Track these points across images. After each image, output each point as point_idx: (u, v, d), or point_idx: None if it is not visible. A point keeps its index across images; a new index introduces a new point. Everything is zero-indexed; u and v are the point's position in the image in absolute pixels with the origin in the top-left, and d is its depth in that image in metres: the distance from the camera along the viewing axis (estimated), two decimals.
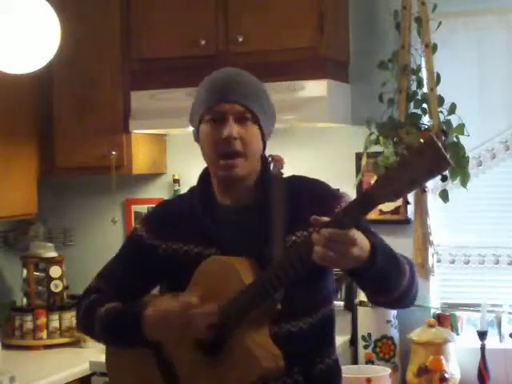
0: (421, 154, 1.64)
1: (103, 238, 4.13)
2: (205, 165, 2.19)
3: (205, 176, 2.20)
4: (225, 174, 2.08)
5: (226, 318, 2.01)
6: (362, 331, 3.41)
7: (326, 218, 1.82)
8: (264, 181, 2.14)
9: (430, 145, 1.63)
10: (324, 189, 2.18)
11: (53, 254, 3.95)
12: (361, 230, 1.84)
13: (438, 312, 3.48)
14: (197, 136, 2.15)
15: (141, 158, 3.82)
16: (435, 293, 3.57)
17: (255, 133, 2.09)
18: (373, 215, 3.40)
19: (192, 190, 2.24)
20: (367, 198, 1.76)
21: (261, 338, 2.00)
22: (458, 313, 3.49)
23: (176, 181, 3.93)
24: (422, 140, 1.58)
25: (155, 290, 2.33)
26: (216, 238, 2.11)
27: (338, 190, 2.21)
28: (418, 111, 3.39)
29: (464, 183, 3.28)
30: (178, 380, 2.13)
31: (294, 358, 2.03)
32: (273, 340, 2.01)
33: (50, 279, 3.90)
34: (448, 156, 1.63)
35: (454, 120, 3.32)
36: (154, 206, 2.37)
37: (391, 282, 1.96)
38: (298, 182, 2.20)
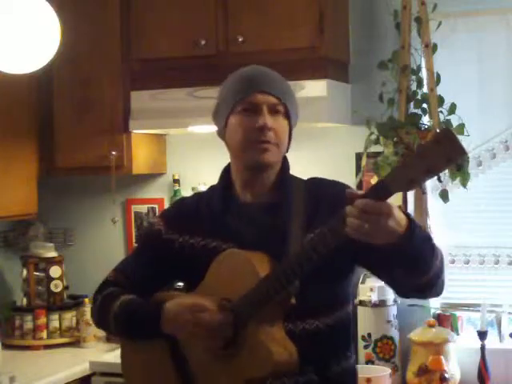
0: (438, 143, 1.66)
1: (103, 238, 4.13)
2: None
3: (226, 174, 2.18)
4: (257, 159, 2.05)
5: (240, 312, 1.99)
6: (362, 331, 3.40)
7: (361, 192, 1.78)
8: (284, 179, 2.13)
9: (446, 135, 1.66)
10: (343, 189, 2.07)
11: (53, 253, 3.95)
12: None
13: (438, 312, 3.48)
14: (223, 130, 2.12)
15: (141, 158, 3.82)
16: None
17: (285, 127, 2.09)
18: None
19: (212, 188, 2.22)
20: (382, 186, 1.73)
21: (275, 332, 1.97)
22: (458, 313, 3.48)
23: (176, 181, 3.92)
24: (438, 130, 1.60)
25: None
26: (234, 234, 2.09)
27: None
28: (418, 111, 3.39)
29: (464, 183, 3.28)
30: (192, 374, 2.11)
31: (308, 356, 2.00)
32: (288, 337, 1.98)
33: (50, 279, 3.90)
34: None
35: (454, 120, 3.31)
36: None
37: (426, 261, 1.89)
38: (318, 182, 2.18)
